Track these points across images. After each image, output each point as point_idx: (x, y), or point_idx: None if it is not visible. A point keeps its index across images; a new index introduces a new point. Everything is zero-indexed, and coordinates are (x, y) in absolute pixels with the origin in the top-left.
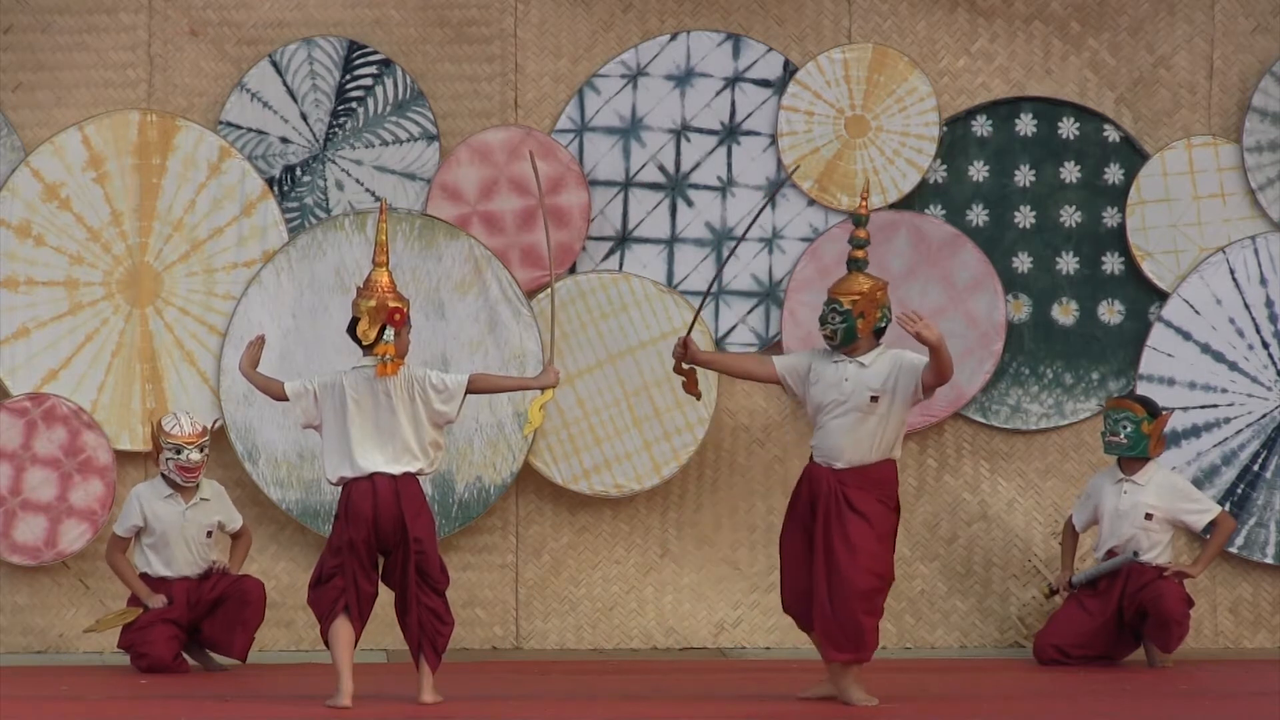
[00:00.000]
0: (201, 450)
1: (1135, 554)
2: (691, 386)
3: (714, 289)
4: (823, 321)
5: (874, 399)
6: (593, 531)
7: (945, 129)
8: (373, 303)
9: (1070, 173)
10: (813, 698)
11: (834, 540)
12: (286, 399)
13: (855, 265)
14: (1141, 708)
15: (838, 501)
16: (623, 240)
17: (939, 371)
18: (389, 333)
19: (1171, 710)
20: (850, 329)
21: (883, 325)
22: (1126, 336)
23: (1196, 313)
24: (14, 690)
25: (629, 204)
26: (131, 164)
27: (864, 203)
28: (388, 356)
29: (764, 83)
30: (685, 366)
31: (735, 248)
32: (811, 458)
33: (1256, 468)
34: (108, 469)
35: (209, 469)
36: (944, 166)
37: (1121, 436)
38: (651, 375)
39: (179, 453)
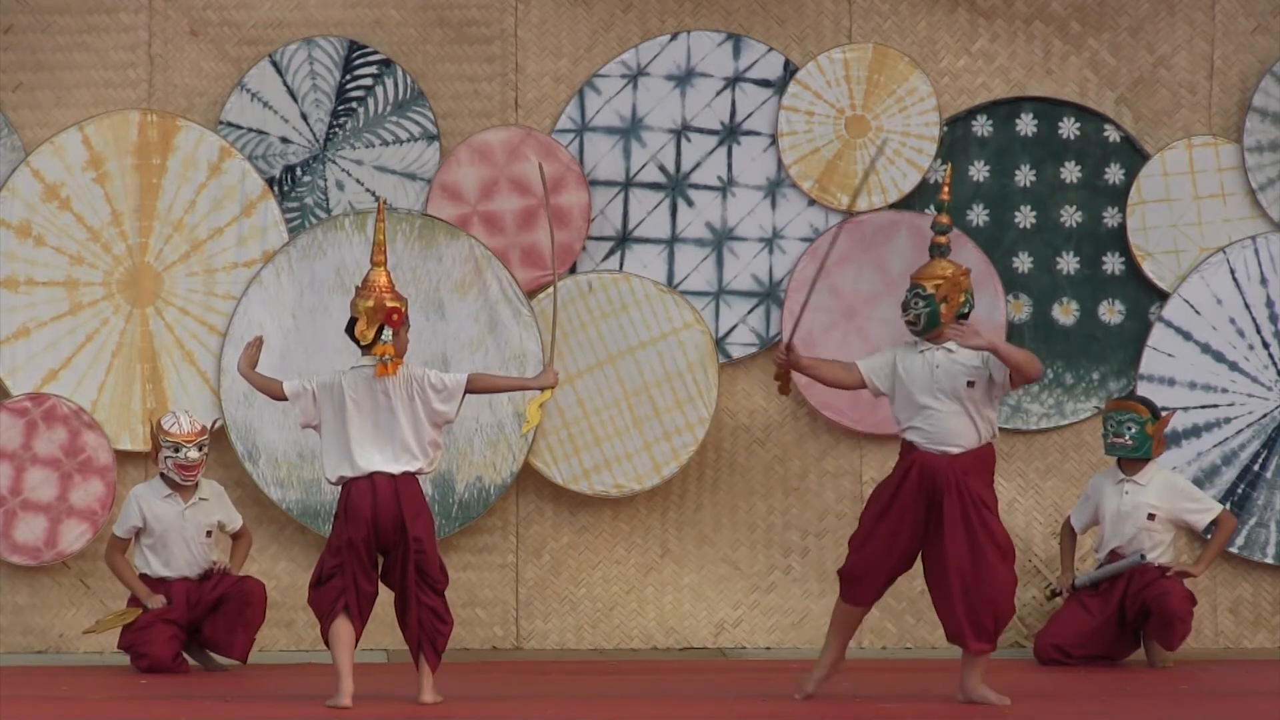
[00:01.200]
0: (200, 449)
1: (1142, 555)
2: (785, 388)
3: (813, 289)
4: (905, 307)
5: (970, 384)
6: (593, 531)
7: (945, 129)
8: (370, 303)
9: (1070, 173)
10: (809, 697)
11: (976, 535)
12: (285, 399)
13: (938, 251)
14: (1141, 708)
15: (965, 492)
16: (623, 240)
17: (1016, 371)
18: (387, 333)
19: (1171, 710)
20: (934, 314)
21: (965, 311)
22: (1127, 336)
23: (1197, 313)
24: (14, 690)
25: (629, 204)
26: (131, 164)
27: (946, 189)
28: (386, 357)
29: (764, 83)
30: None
31: (829, 253)
32: (914, 445)
33: (1257, 467)
34: (108, 469)
35: (209, 469)
36: (945, 166)
37: (1127, 438)
38: (651, 375)
39: (177, 451)
